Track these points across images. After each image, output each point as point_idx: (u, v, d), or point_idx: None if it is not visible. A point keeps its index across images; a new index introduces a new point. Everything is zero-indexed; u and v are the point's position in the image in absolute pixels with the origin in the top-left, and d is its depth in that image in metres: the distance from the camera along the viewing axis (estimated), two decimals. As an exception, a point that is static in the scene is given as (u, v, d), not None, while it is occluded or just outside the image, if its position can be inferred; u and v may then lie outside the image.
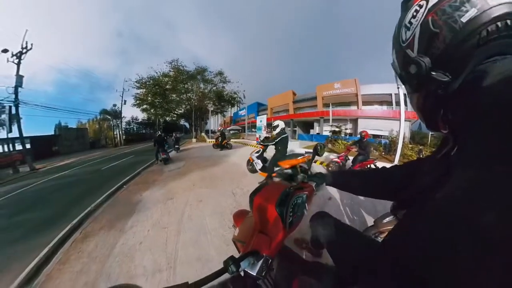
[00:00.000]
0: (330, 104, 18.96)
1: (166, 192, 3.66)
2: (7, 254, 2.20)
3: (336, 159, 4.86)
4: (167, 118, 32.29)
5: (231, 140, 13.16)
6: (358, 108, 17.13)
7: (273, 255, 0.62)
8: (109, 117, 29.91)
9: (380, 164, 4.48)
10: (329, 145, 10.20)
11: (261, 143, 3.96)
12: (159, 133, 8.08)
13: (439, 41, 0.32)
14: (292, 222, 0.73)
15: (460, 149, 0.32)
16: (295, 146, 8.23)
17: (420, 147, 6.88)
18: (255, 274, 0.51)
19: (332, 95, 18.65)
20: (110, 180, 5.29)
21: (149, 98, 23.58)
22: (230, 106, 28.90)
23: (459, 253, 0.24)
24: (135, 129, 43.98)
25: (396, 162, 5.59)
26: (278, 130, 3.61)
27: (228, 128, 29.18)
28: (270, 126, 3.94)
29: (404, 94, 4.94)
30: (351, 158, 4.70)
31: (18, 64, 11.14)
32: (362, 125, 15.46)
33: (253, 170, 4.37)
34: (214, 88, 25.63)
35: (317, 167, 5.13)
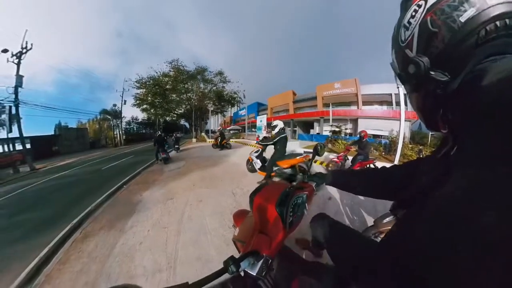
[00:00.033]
0: (330, 104, 18.95)
1: (166, 192, 3.66)
2: (8, 254, 2.20)
3: (335, 159, 4.87)
4: (167, 118, 32.31)
5: (232, 140, 13.17)
6: (358, 108, 17.12)
7: (273, 255, 0.62)
8: (109, 117, 29.92)
9: (379, 164, 4.48)
10: (329, 145, 10.20)
11: (260, 143, 3.98)
12: (159, 133, 8.09)
13: (438, 40, 0.32)
14: (292, 222, 0.73)
15: (459, 148, 0.32)
16: (295, 146, 8.23)
17: (420, 147, 6.88)
18: (255, 274, 0.51)
19: (332, 95, 18.64)
20: (110, 180, 5.29)
21: (149, 98, 23.59)
22: (230, 106, 28.91)
23: (459, 253, 0.24)
24: (135, 129, 44.02)
25: (396, 162, 5.59)
26: (277, 130, 3.63)
27: (228, 128, 29.18)
28: (270, 126, 3.95)
29: (404, 94, 4.94)
30: (350, 158, 4.70)
31: (18, 64, 11.15)
32: (362, 125, 15.45)
33: (252, 170, 4.39)
34: (214, 88, 25.65)
35: (317, 167, 5.13)
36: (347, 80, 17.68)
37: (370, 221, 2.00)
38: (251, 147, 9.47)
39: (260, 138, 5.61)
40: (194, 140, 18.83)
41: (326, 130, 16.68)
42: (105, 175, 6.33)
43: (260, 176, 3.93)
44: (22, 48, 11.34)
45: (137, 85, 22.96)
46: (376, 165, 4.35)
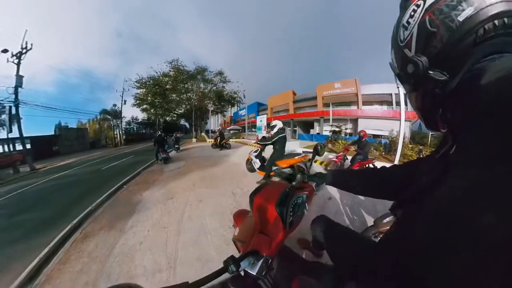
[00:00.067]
0: (330, 104, 18.95)
1: (166, 192, 3.66)
2: (8, 254, 2.20)
3: (335, 159, 4.88)
4: (167, 118, 32.32)
5: (232, 140, 13.15)
6: (358, 108, 17.11)
7: (273, 255, 0.62)
8: (109, 117, 29.92)
9: (379, 164, 4.48)
10: (329, 145, 10.20)
11: (259, 142, 3.99)
12: (159, 133, 8.10)
13: (436, 40, 0.32)
14: (292, 222, 0.73)
15: (458, 148, 0.32)
16: (295, 146, 8.23)
17: (420, 147, 6.88)
18: (255, 274, 0.51)
19: (332, 95, 18.64)
20: (110, 180, 5.29)
21: (149, 98, 23.59)
22: (230, 106, 28.91)
23: (459, 253, 0.24)
24: (135, 129, 44.03)
25: (396, 162, 5.59)
26: (275, 130, 3.65)
27: (228, 128, 29.18)
28: (269, 126, 3.96)
29: (404, 94, 4.94)
30: (349, 157, 4.70)
31: (18, 64, 11.15)
32: (363, 125, 15.44)
33: (251, 169, 4.40)
34: (214, 88, 25.65)
35: (316, 167, 5.13)
36: (347, 80, 17.68)
37: (370, 221, 2.00)
38: (251, 147, 9.47)
39: (259, 138, 5.64)
40: (194, 140, 18.84)
41: (326, 130, 16.67)
42: (105, 175, 6.33)
43: (259, 176, 3.94)
44: (22, 48, 11.34)
45: (137, 85, 22.98)
46: (376, 165, 4.35)
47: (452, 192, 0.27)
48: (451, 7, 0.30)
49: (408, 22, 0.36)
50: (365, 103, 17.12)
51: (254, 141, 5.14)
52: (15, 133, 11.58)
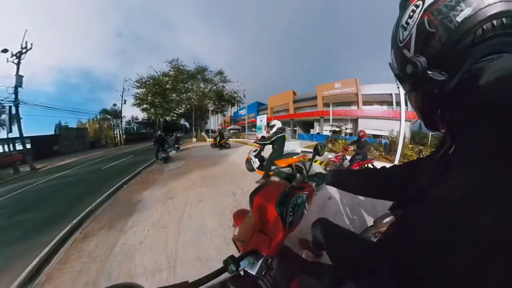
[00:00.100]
0: (331, 104, 18.94)
1: (166, 191, 3.66)
2: (8, 254, 2.20)
3: (334, 159, 4.88)
4: (167, 118, 32.33)
5: (232, 139, 13.15)
6: (358, 108, 17.11)
7: (273, 255, 0.62)
8: (109, 117, 29.94)
9: (378, 164, 4.48)
10: (329, 145, 10.20)
11: (258, 142, 4.01)
12: (159, 132, 8.11)
13: (435, 40, 0.32)
14: (292, 222, 0.73)
15: (457, 148, 0.32)
16: (295, 145, 8.23)
17: (420, 147, 6.88)
18: (254, 274, 0.51)
19: (333, 95, 18.63)
20: (110, 179, 5.29)
21: (149, 98, 23.60)
22: (230, 106, 28.91)
23: (459, 253, 0.24)
24: (135, 129, 44.06)
25: (396, 162, 5.60)
26: (274, 129, 3.68)
27: (228, 128, 29.19)
28: (268, 125, 3.98)
29: (404, 94, 4.94)
30: (348, 157, 4.71)
31: (18, 64, 11.15)
32: (363, 125, 15.44)
33: (251, 169, 4.42)
34: (214, 87, 25.65)
35: (315, 167, 5.13)
36: (347, 80, 17.67)
37: (370, 221, 2.00)
38: (251, 147, 9.48)
39: (259, 138, 5.66)
40: (194, 139, 18.85)
41: (326, 130, 16.67)
42: (105, 175, 6.33)
43: (259, 175, 3.94)
44: (22, 48, 11.34)
45: (137, 84, 22.99)
46: (375, 165, 4.35)
47: (451, 192, 0.27)
48: (450, 7, 0.30)
49: (407, 23, 0.36)
50: (365, 103, 17.11)
51: (253, 141, 5.15)
52: (15, 133, 11.60)
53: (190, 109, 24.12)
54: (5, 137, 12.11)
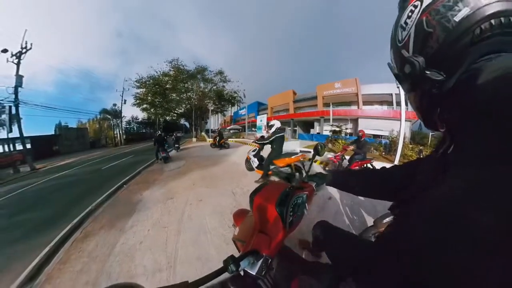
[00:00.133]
0: (331, 103, 18.94)
1: (166, 191, 3.66)
2: (9, 254, 2.20)
3: (333, 158, 4.89)
4: (167, 118, 32.34)
5: (232, 139, 13.15)
6: (358, 108, 17.11)
7: (273, 255, 0.62)
8: (109, 117, 29.95)
9: (377, 164, 4.49)
10: (329, 145, 10.20)
11: (257, 142, 4.03)
12: (159, 132, 8.11)
13: (433, 40, 0.32)
14: (292, 222, 0.73)
15: (456, 147, 0.32)
16: (295, 145, 8.23)
17: (420, 147, 6.88)
18: (254, 274, 0.51)
19: (333, 95, 18.63)
20: (110, 179, 5.30)
21: (149, 98, 23.61)
22: (230, 106, 28.92)
23: (459, 253, 0.24)
24: (135, 129, 44.09)
25: (396, 162, 5.60)
26: (273, 129, 3.70)
27: (228, 128, 29.19)
28: (268, 125, 3.99)
29: (405, 94, 4.93)
30: (348, 157, 4.71)
31: (18, 64, 11.15)
32: (363, 125, 15.44)
33: (250, 168, 4.44)
34: (214, 87, 25.65)
35: (314, 166, 5.13)
36: (347, 80, 17.67)
37: (370, 221, 2.01)
38: (251, 147, 9.48)
39: (258, 137, 5.69)
40: (194, 139, 18.86)
41: (326, 129, 16.67)
42: (105, 175, 6.33)
43: (258, 175, 3.95)
44: (22, 48, 11.34)
45: (137, 84, 23.01)
46: (374, 164, 4.35)
47: (451, 192, 0.27)
48: (448, 7, 0.30)
49: (406, 23, 0.36)
50: (365, 103, 17.11)
51: (252, 141, 5.18)
52: (15, 133, 11.61)
53: (190, 109, 24.13)
54: (5, 137, 12.13)
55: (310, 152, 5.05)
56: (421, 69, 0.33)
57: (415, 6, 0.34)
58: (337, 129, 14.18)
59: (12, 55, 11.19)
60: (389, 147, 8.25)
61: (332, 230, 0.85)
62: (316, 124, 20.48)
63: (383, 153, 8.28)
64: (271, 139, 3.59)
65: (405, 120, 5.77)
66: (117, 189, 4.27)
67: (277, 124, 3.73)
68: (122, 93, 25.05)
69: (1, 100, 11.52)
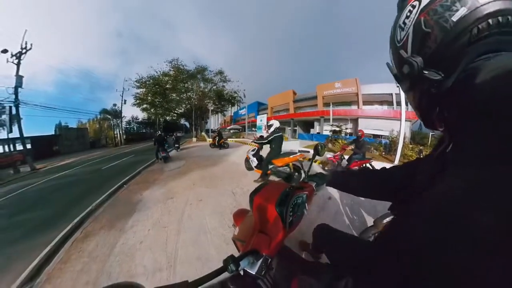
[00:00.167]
0: (331, 103, 18.94)
1: (166, 191, 3.67)
2: (9, 254, 2.21)
3: (332, 158, 4.90)
4: (167, 118, 32.33)
5: (232, 139, 13.15)
6: (358, 107, 17.11)
7: (272, 255, 0.62)
8: (109, 117, 29.96)
9: (377, 164, 4.49)
10: (329, 145, 10.21)
11: (256, 141, 4.05)
12: (159, 132, 8.13)
13: (431, 40, 0.32)
14: (292, 221, 0.73)
15: (455, 146, 0.32)
16: (295, 145, 8.23)
17: (421, 147, 6.88)
18: (254, 273, 0.51)
19: (333, 95, 18.63)
20: (110, 179, 5.30)
21: (149, 98, 23.60)
22: (230, 106, 28.90)
23: (459, 253, 0.24)
24: (135, 129, 44.10)
25: (396, 162, 5.60)
26: (272, 129, 3.73)
27: (228, 128, 29.19)
28: (267, 125, 4.02)
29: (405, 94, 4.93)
30: (347, 157, 4.72)
31: (18, 64, 11.16)
32: (363, 125, 15.44)
33: (249, 168, 4.47)
34: (214, 87, 25.64)
35: (313, 166, 5.13)
36: (347, 80, 17.66)
37: (370, 221, 2.01)
38: (250, 146, 9.48)
39: (257, 137, 5.72)
40: (194, 139, 18.86)
41: (327, 129, 16.67)
42: (106, 175, 6.33)
43: (258, 175, 3.96)
44: (22, 48, 11.35)
45: (137, 84, 22.99)
46: (374, 164, 4.36)
47: (451, 192, 0.27)
48: (445, 7, 0.30)
49: (404, 23, 0.36)
50: (365, 103, 17.11)
51: (252, 140, 5.22)
52: (15, 133, 11.63)
53: (190, 109, 24.12)
54: (5, 137, 12.13)
55: (308, 151, 5.05)
56: (419, 70, 0.33)
57: (413, 6, 0.34)
58: (337, 129, 14.18)
59: (12, 56, 11.20)
60: (389, 147, 8.25)
61: (331, 232, 0.85)
62: (316, 124, 20.47)
63: (383, 153, 8.28)
64: (269, 138, 3.62)
65: (405, 120, 5.77)
66: (117, 189, 4.27)
67: (276, 124, 3.76)
68: (122, 93, 25.08)
69: (1, 101, 11.55)
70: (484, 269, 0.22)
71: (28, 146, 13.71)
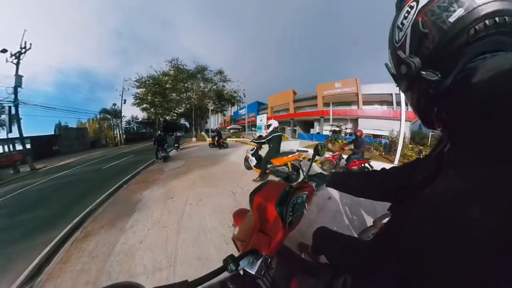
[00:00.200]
0: (331, 103, 18.94)
1: (166, 191, 3.67)
2: (9, 254, 2.21)
3: (330, 158, 4.90)
4: (167, 117, 32.31)
5: (232, 139, 13.15)
6: (358, 107, 17.11)
7: (272, 254, 0.62)
8: (109, 117, 29.94)
9: (377, 164, 4.49)
10: (329, 145, 10.21)
11: (255, 141, 4.07)
12: (159, 132, 8.13)
13: (429, 41, 0.32)
14: (291, 221, 0.73)
15: (453, 146, 0.32)
16: (295, 145, 8.24)
17: (420, 147, 6.89)
18: (254, 273, 0.51)
19: (333, 95, 18.63)
20: (110, 179, 5.30)
21: (149, 97, 23.58)
22: (230, 105, 28.89)
23: (459, 253, 0.24)
24: (135, 129, 44.08)
25: (396, 162, 5.60)
26: (270, 129, 3.75)
27: (228, 127, 29.18)
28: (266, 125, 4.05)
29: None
30: (345, 156, 4.72)
31: (17, 64, 11.14)
32: (363, 125, 15.45)
33: (248, 167, 4.50)
34: (214, 87, 25.62)
35: (313, 166, 5.13)
36: (347, 80, 17.66)
37: (369, 221, 2.01)
38: (250, 146, 9.48)
39: (256, 137, 5.76)
40: (194, 139, 18.86)
41: (326, 129, 16.68)
42: (106, 175, 6.33)
43: (257, 174, 3.97)
44: (21, 48, 11.33)
45: (137, 84, 22.97)
46: (374, 164, 4.36)
47: (451, 192, 0.27)
48: (443, 8, 0.30)
49: (402, 23, 0.36)
50: (365, 103, 17.11)
51: (250, 140, 5.26)
52: (15, 133, 11.61)
53: (190, 108, 24.11)
54: (5, 137, 12.13)
55: (307, 151, 5.05)
56: (417, 70, 0.34)
57: (411, 7, 0.34)
58: (337, 129, 14.19)
59: (12, 55, 11.18)
60: (389, 147, 8.26)
61: (331, 235, 0.86)
62: (316, 124, 20.47)
63: (383, 153, 8.28)
64: (268, 138, 3.64)
65: (405, 120, 5.77)
66: (117, 188, 4.27)
67: (274, 123, 3.79)
68: (122, 93, 25.07)
69: (1, 100, 11.54)
70: (484, 269, 0.22)
71: (28, 146, 13.70)
